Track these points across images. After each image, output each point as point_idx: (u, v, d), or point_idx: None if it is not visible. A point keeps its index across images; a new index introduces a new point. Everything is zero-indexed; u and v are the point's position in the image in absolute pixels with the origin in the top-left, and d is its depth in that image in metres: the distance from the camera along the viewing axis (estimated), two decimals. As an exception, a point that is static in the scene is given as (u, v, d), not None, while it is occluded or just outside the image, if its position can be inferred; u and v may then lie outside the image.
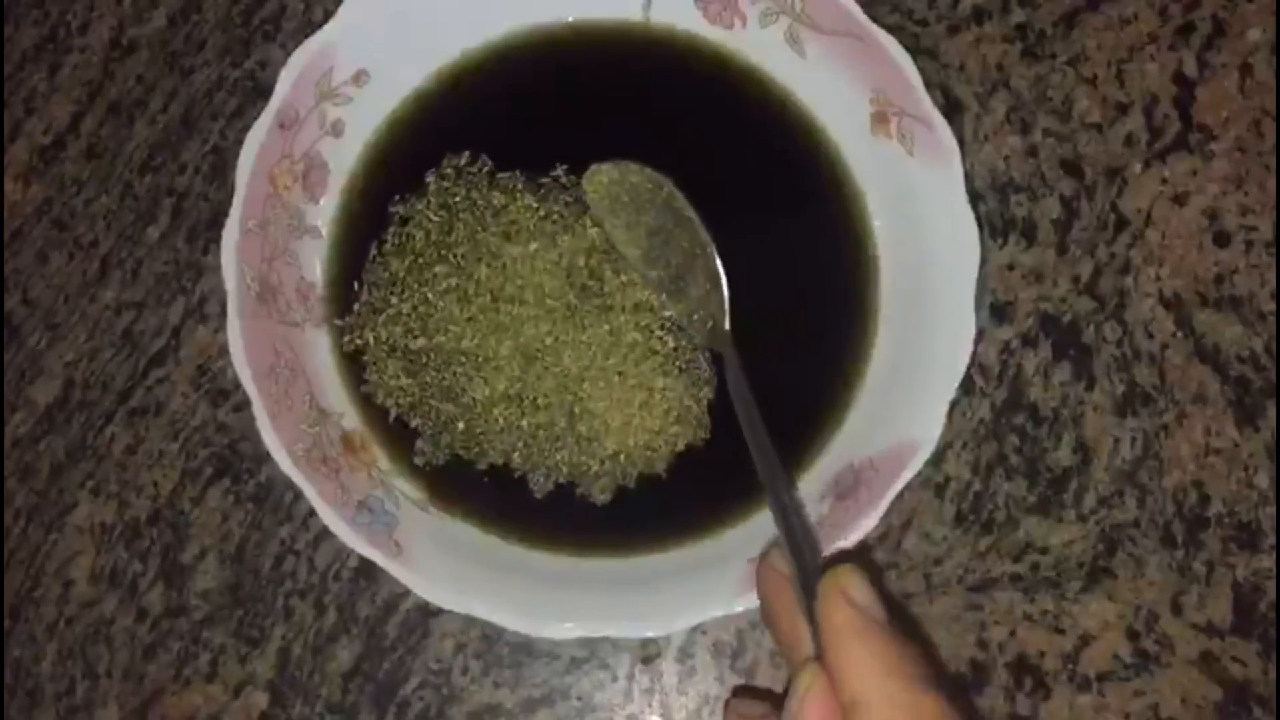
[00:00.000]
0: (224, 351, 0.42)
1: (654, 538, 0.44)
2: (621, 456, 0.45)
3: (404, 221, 0.47)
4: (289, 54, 0.44)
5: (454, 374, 0.45)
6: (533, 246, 0.45)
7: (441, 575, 0.41)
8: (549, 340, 0.45)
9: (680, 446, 0.45)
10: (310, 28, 0.50)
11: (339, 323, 0.46)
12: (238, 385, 0.42)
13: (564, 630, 0.41)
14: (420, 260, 0.46)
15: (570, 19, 0.46)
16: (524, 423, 0.45)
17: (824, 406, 0.45)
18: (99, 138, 0.50)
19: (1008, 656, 0.46)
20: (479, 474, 0.45)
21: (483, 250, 0.45)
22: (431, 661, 0.46)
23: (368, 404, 0.45)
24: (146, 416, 0.48)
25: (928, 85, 0.44)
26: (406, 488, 0.44)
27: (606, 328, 0.45)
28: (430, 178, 0.47)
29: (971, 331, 0.42)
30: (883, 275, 0.45)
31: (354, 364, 0.45)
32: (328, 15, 0.49)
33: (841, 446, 0.44)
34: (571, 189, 0.46)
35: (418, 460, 0.45)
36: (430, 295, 0.45)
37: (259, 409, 0.41)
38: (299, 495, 0.42)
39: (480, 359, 0.45)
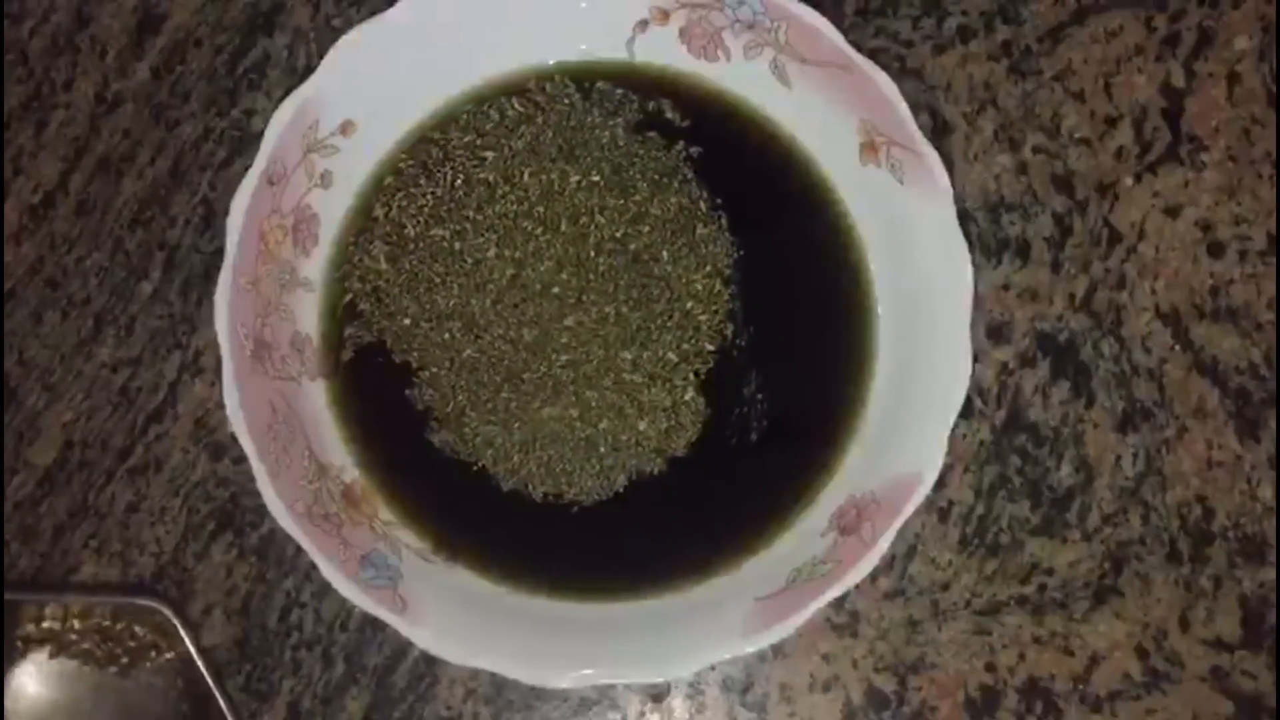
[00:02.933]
0: (221, 405, 0.42)
1: (661, 578, 0.44)
2: (515, 461, 0.43)
3: (485, 102, 0.45)
4: (275, 102, 0.44)
5: (433, 270, 0.42)
6: (594, 178, 0.43)
7: (448, 629, 0.41)
8: (560, 289, 0.41)
9: (588, 500, 0.44)
10: (295, 74, 0.50)
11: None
12: (236, 438, 0.42)
13: (573, 680, 0.41)
14: (479, 141, 0.44)
15: (553, 61, 0.46)
16: (466, 353, 0.43)
17: (823, 440, 0.44)
18: (88, 194, 0.50)
19: (1018, 680, 0.46)
20: (484, 526, 0.44)
21: (535, 158, 0.43)
22: (441, 709, 0.46)
23: (367, 453, 0.45)
24: (147, 474, 0.48)
25: (915, 107, 0.44)
26: (409, 538, 0.44)
27: (640, 314, 0.43)
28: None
29: (969, 362, 0.42)
30: (878, 305, 0.45)
31: (351, 414, 0.45)
32: (311, 60, 0.49)
33: (842, 480, 0.44)
34: (678, 160, 0.45)
35: (345, 357, 0.44)
36: (459, 182, 0.43)
37: (259, 469, 0.41)
38: (302, 547, 0.42)
39: (471, 266, 0.42)
